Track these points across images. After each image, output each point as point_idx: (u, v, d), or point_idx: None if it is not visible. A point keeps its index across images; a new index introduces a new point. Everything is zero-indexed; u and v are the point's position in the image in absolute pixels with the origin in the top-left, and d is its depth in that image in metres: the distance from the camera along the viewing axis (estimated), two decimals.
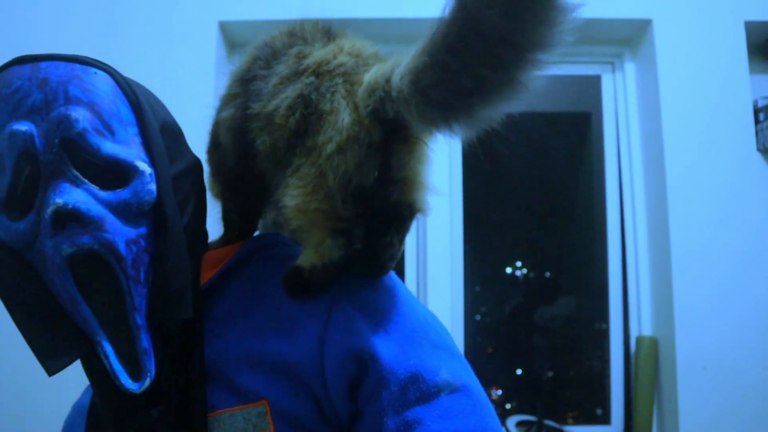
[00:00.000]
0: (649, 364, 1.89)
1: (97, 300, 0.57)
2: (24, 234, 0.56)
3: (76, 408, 0.75)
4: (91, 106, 0.57)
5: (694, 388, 1.77)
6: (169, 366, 0.60)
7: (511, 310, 2.34)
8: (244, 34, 2.06)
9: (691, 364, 1.79)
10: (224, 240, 0.77)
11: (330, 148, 0.55)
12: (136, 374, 0.57)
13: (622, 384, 2.03)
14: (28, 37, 1.69)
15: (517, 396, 2.25)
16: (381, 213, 0.59)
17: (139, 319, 0.57)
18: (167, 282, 0.59)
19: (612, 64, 2.18)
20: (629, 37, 2.11)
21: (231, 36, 2.07)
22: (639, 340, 1.93)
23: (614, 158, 2.13)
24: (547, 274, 2.40)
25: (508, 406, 2.23)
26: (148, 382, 0.57)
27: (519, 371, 2.30)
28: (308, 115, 0.57)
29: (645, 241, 2.03)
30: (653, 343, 1.91)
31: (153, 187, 0.59)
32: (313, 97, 0.58)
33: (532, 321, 2.30)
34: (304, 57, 0.64)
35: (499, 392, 2.23)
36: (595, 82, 2.19)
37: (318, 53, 0.65)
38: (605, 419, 2.05)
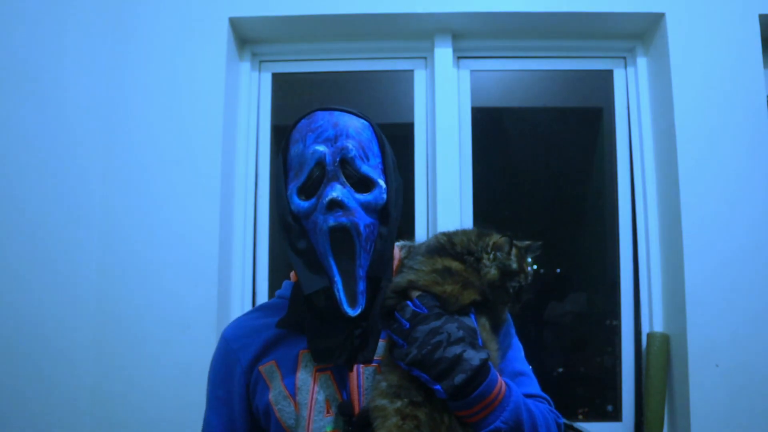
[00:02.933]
0: (660, 361, 1.88)
1: (339, 257, 0.92)
2: (306, 209, 0.94)
3: (241, 326, 1.05)
4: (359, 142, 0.96)
5: (705, 385, 1.77)
6: (373, 306, 0.95)
7: (522, 306, 2.33)
8: (254, 30, 2.07)
9: (702, 361, 1.78)
10: None
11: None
12: (353, 304, 0.91)
13: (633, 380, 2.02)
14: (39, 35, 1.71)
15: None
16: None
17: (361, 272, 0.93)
18: (382, 253, 0.95)
19: (624, 58, 2.16)
20: (641, 32, 2.09)
21: (241, 32, 2.08)
22: (650, 336, 1.92)
23: (626, 153, 2.12)
24: (558, 270, 2.39)
25: None
26: (359, 311, 0.91)
27: (529, 367, 2.29)
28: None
29: (657, 237, 2.02)
30: (665, 340, 1.90)
31: (385, 196, 0.96)
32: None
33: (542, 317, 2.29)
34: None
35: None
36: (607, 76, 2.18)
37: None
38: (616, 416, 2.05)
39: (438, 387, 0.82)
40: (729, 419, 1.75)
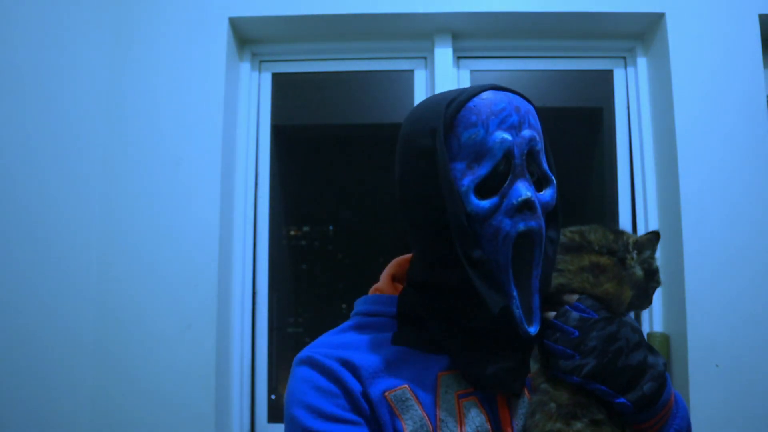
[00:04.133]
0: None
1: (516, 267, 0.77)
2: (485, 211, 0.76)
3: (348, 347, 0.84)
4: (539, 132, 0.81)
5: (705, 386, 1.77)
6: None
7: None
8: (254, 30, 2.07)
9: (702, 361, 1.78)
10: None
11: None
12: (530, 322, 0.76)
13: None
14: (39, 34, 1.70)
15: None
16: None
17: (536, 284, 0.78)
18: (553, 259, 0.82)
19: (624, 58, 2.16)
20: (642, 31, 2.09)
21: (241, 32, 2.08)
22: (650, 336, 1.92)
23: (626, 154, 2.12)
24: None
25: None
26: (537, 329, 0.76)
27: None
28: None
29: None
30: (665, 340, 1.90)
31: (556, 194, 0.83)
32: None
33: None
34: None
35: None
36: (607, 76, 2.18)
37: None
38: None
39: (622, 400, 0.73)
40: (729, 419, 1.75)
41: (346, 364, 0.79)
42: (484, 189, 0.77)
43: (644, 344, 0.77)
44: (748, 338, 1.78)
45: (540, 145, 0.79)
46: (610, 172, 2.16)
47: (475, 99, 0.79)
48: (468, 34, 2.12)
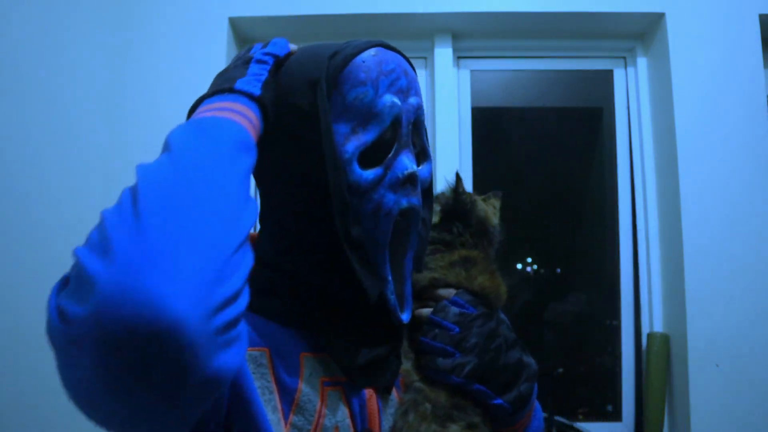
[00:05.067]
0: (660, 361, 1.88)
1: (392, 248, 0.70)
2: (367, 182, 0.67)
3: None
4: (422, 102, 0.74)
5: (705, 385, 1.76)
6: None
7: (522, 306, 2.33)
8: (254, 30, 2.07)
9: (702, 361, 1.78)
10: None
11: None
12: (403, 309, 0.71)
13: (633, 380, 2.02)
14: (39, 35, 1.71)
15: None
16: None
17: (409, 267, 0.73)
18: (425, 242, 0.76)
19: (624, 58, 2.16)
20: (642, 31, 2.09)
21: (241, 32, 2.08)
22: (650, 336, 1.92)
23: (626, 154, 2.12)
24: (558, 270, 2.39)
25: None
26: (409, 317, 0.71)
27: None
28: None
29: (657, 237, 2.02)
30: (665, 340, 1.90)
31: (431, 170, 0.75)
32: None
33: (542, 317, 2.29)
34: None
35: None
36: (607, 76, 2.18)
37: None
38: (616, 416, 2.05)
39: (500, 401, 0.69)
40: (729, 419, 1.75)
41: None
42: (367, 158, 0.68)
43: (519, 342, 0.75)
44: (748, 338, 1.78)
45: (425, 116, 0.73)
46: (610, 171, 2.16)
47: (364, 54, 0.69)
48: (468, 34, 2.12)
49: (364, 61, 0.68)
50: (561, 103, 2.38)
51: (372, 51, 0.69)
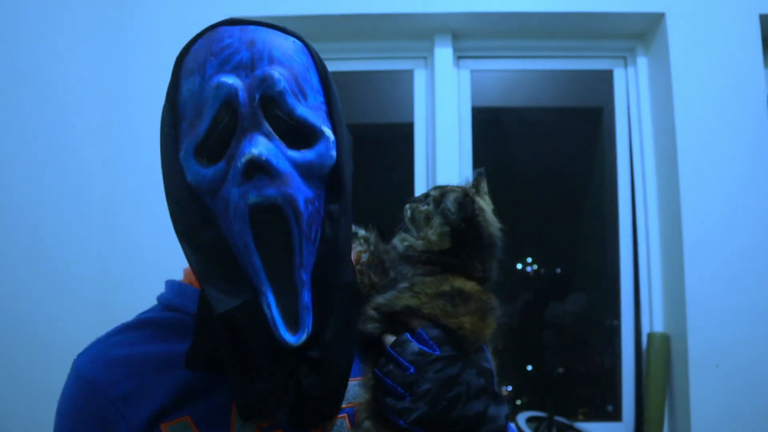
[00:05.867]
0: (660, 361, 1.88)
1: (269, 252, 0.59)
2: (210, 180, 0.59)
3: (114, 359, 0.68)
4: (290, 70, 0.62)
5: (705, 385, 1.76)
6: (327, 326, 0.62)
7: (522, 307, 2.33)
8: None
9: (702, 361, 1.78)
10: None
11: None
12: (294, 328, 0.59)
13: (633, 381, 2.02)
14: (38, 34, 1.70)
15: (528, 392, 2.25)
16: None
17: (305, 276, 0.60)
18: (335, 243, 0.62)
19: (624, 58, 2.16)
20: (642, 31, 2.09)
21: None
22: (650, 336, 1.92)
23: (626, 153, 2.12)
24: (558, 270, 2.39)
25: (518, 402, 2.22)
26: (304, 337, 0.59)
27: (529, 367, 2.30)
28: None
29: (657, 237, 2.02)
30: (665, 340, 1.90)
31: (334, 152, 0.63)
32: None
33: (542, 317, 2.29)
34: None
35: (510, 388, 2.23)
36: (607, 76, 2.18)
37: None
38: (616, 416, 2.05)
39: None
40: (729, 419, 1.75)
41: (125, 395, 0.63)
42: (207, 152, 0.60)
43: (489, 391, 0.64)
44: (749, 338, 1.78)
45: (283, 85, 0.60)
46: (610, 171, 2.16)
47: (200, 40, 0.64)
48: (468, 34, 2.12)
49: (196, 48, 0.63)
50: (561, 103, 2.38)
51: (207, 34, 0.64)
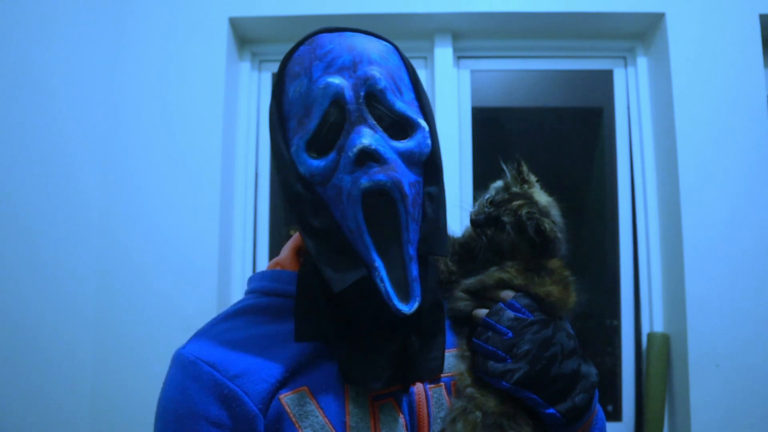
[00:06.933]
0: (660, 361, 1.88)
1: (378, 231, 0.66)
2: (322, 170, 0.66)
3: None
4: (387, 70, 0.69)
5: (706, 386, 1.76)
6: (425, 297, 0.69)
7: None
8: (254, 30, 2.07)
9: (703, 361, 1.78)
10: None
11: None
12: (405, 298, 0.66)
13: (633, 381, 2.02)
14: (38, 34, 1.70)
15: None
16: None
17: (411, 251, 0.67)
18: (437, 221, 0.71)
19: (624, 58, 2.16)
20: (642, 31, 2.09)
21: (241, 32, 2.08)
22: (650, 336, 1.92)
23: (626, 153, 2.12)
24: None
25: None
26: (416, 306, 0.66)
27: None
28: None
29: (657, 237, 2.02)
30: (665, 340, 1.90)
31: (429, 141, 0.71)
32: None
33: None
34: None
35: None
36: (607, 76, 2.18)
37: None
38: (616, 416, 2.05)
39: (552, 410, 0.67)
40: (729, 419, 1.75)
41: (240, 373, 0.66)
42: (319, 146, 0.68)
43: (579, 352, 0.72)
44: (749, 338, 1.78)
45: (383, 84, 0.68)
46: (610, 171, 2.16)
47: (302, 47, 0.70)
48: (468, 34, 2.12)
49: (299, 54, 0.70)
50: (561, 103, 2.38)
51: (308, 41, 0.70)
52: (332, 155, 0.67)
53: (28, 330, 1.62)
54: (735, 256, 1.81)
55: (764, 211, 1.83)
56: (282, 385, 0.67)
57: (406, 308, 0.65)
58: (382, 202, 0.66)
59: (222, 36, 1.97)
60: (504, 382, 0.67)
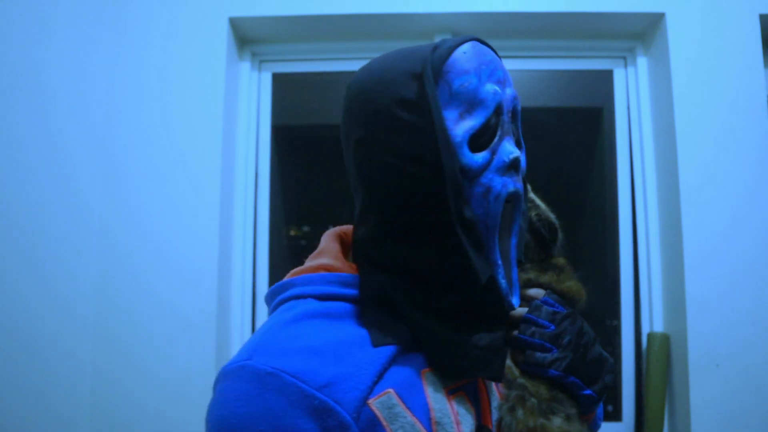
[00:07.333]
0: (660, 361, 1.88)
1: (500, 233, 0.72)
2: (477, 165, 0.69)
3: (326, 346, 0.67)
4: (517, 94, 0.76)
5: (706, 386, 1.76)
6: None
7: None
8: (254, 30, 2.07)
9: (703, 361, 1.78)
10: None
11: None
12: (512, 294, 0.72)
13: (633, 381, 2.02)
14: (38, 34, 1.70)
15: None
16: None
17: (515, 254, 0.74)
18: (523, 231, 0.77)
19: (624, 58, 2.16)
20: (642, 31, 2.09)
21: (241, 32, 2.08)
22: (650, 336, 1.92)
23: (626, 154, 2.12)
24: None
25: None
26: (519, 302, 0.73)
27: None
28: None
29: (657, 236, 2.02)
30: (665, 340, 1.90)
31: (525, 160, 0.78)
32: None
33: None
34: None
35: None
36: (607, 76, 2.18)
37: None
38: (616, 416, 2.05)
39: (589, 391, 0.76)
40: (729, 420, 1.75)
41: (329, 382, 0.62)
42: (474, 143, 0.70)
43: (598, 339, 0.82)
44: (749, 339, 1.78)
45: (520, 107, 0.75)
46: (610, 171, 2.16)
47: (464, 46, 0.73)
48: (468, 34, 2.12)
49: (465, 52, 0.72)
50: (561, 103, 2.38)
51: (470, 44, 0.73)
52: (487, 154, 0.70)
53: (28, 330, 1.62)
54: (735, 256, 1.81)
55: (764, 211, 1.83)
56: (369, 390, 0.64)
57: (516, 302, 0.72)
58: (511, 208, 0.73)
59: (222, 36, 1.97)
60: (552, 371, 0.74)
